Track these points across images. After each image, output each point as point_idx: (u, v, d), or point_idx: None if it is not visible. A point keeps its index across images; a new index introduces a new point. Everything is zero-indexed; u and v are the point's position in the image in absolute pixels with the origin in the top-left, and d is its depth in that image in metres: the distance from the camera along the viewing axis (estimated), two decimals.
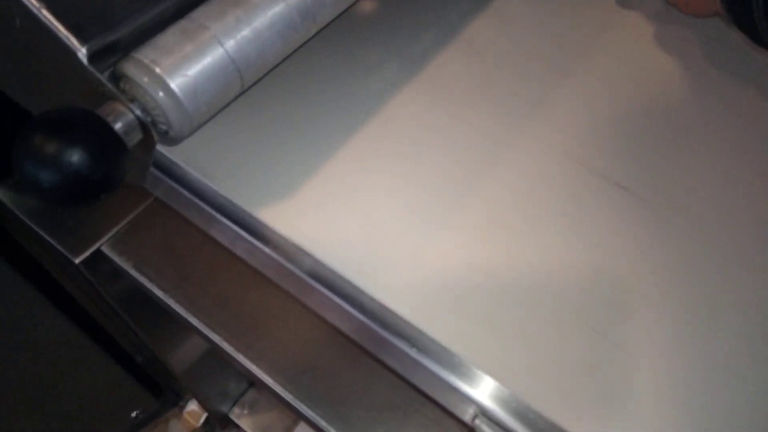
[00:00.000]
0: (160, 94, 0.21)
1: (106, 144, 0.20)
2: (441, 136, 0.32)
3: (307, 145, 0.31)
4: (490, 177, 0.31)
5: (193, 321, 0.41)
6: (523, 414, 0.25)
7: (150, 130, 0.22)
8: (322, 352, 0.41)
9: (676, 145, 0.34)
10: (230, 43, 0.23)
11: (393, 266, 0.28)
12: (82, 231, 0.39)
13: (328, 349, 0.41)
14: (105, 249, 0.40)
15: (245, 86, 0.23)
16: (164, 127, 0.22)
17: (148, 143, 0.22)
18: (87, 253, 0.39)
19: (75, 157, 0.19)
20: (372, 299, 0.27)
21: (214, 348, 0.41)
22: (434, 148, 0.32)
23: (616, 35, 0.39)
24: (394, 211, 0.29)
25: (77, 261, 0.39)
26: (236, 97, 0.23)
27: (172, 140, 0.23)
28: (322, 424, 0.39)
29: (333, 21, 0.26)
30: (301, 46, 0.26)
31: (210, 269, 0.42)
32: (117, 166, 0.20)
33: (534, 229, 0.29)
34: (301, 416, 0.39)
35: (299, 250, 0.27)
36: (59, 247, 0.39)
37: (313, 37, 0.26)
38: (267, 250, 0.30)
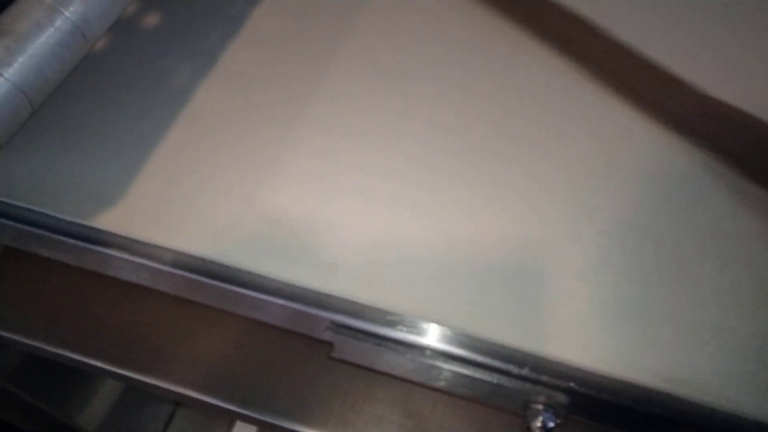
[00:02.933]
0: None
1: None
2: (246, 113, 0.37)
3: (128, 147, 0.35)
4: (307, 140, 0.36)
5: (74, 356, 0.42)
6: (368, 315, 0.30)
7: None
8: (223, 347, 0.43)
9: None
10: (9, 71, 0.25)
11: (217, 222, 0.32)
12: None
13: (228, 342, 0.43)
14: None
15: (35, 106, 0.26)
16: None
17: None
18: None
19: None
20: (221, 265, 0.31)
21: (117, 377, 0.41)
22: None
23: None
24: (214, 187, 0.33)
25: None
26: (30, 116, 0.26)
27: None
28: (252, 415, 0.40)
29: (106, 33, 0.29)
30: (81, 61, 0.29)
31: (75, 303, 0.43)
32: None
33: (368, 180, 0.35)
34: (234, 415, 0.40)
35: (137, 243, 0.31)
36: None
37: (90, 50, 0.29)
38: (113, 252, 0.33)
